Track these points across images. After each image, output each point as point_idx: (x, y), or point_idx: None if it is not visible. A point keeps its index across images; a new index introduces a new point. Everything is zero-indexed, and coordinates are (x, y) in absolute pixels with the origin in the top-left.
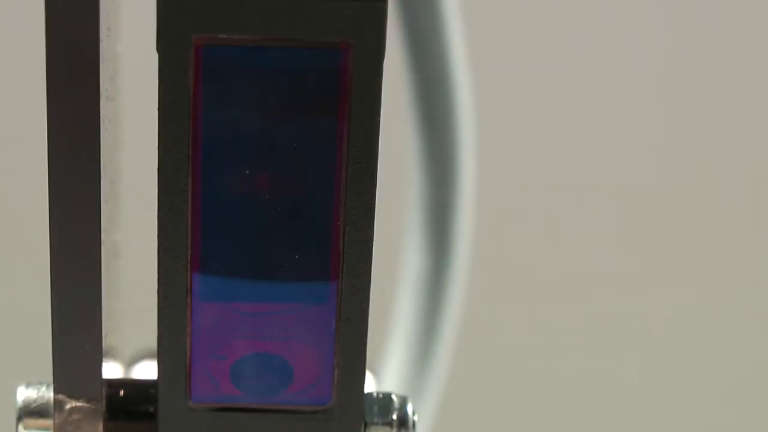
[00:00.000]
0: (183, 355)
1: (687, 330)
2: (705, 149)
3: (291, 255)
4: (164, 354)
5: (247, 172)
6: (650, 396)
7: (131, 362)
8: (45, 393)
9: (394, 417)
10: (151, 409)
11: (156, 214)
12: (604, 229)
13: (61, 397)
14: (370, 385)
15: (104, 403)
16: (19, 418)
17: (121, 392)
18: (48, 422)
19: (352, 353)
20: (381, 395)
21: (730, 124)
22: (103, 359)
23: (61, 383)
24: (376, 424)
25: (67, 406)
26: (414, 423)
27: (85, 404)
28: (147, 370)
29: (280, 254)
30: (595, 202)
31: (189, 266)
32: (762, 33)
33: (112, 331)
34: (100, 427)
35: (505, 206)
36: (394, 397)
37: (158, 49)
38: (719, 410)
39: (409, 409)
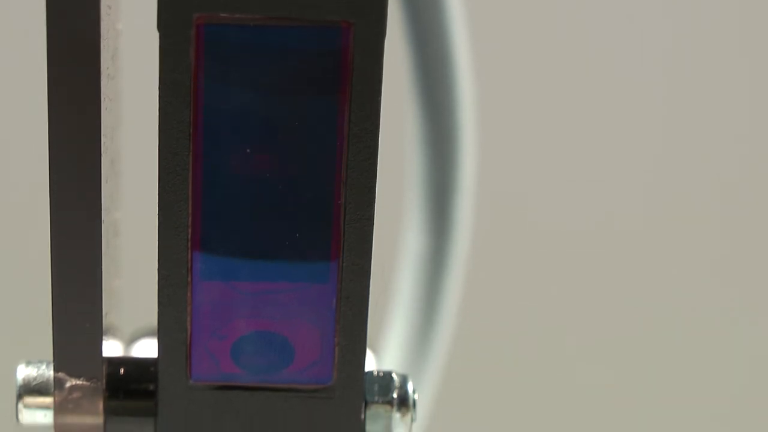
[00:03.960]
0: (183, 333)
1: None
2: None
3: (291, 234)
4: (164, 332)
5: (248, 151)
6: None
7: (131, 340)
8: (45, 371)
9: (395, 395)
10: (152, 387)
11: (156, 193)
12: (604, 211)
13: (61, 375)
14: (371, 364)
15: (104, 381)
16: (19, 396)
17: (122, 370)
18: (48, 400)
19: (353, 332)
20: (381, 374)
21: (732, 124)
22: (104, 337)
23: (61, 361)
24: (377, 402)
25: (67, 384)
26: (414, 401)
27: (85, 382)
28: (147, 348)
29: (281, 233)
30: (595, 184)
31: (189, 245)
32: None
33: (112, 310)
34: (100, 405)
35: (505, 186)
36: (394, 375)
37: (159, 28)
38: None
39: (410, 387)
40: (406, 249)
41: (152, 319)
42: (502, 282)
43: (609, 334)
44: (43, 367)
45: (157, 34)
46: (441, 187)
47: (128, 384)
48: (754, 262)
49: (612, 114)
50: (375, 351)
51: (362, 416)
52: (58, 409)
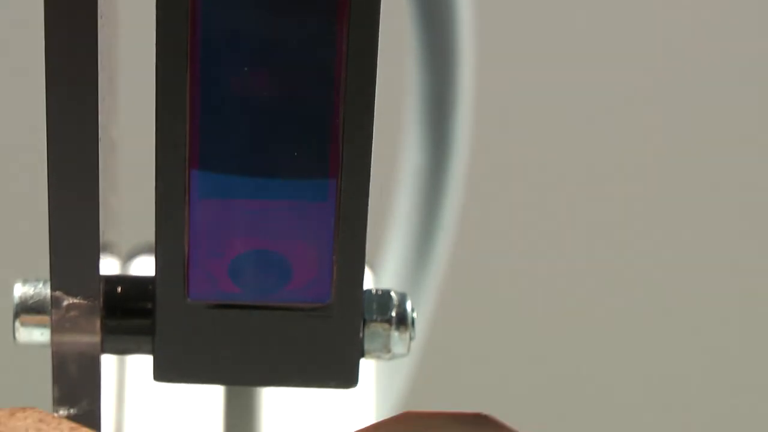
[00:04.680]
0: (181, 252)
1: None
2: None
3: (290, 152)
4: (162, 251)
5: (246, 68)
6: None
7: (129, 257)
8: (42, 289)
9: (393, 314)
10: (149, 305)
11: (154, 110)
12: (600, 130)
13: (58, 293)
14: (369, 282)
15: (101, 299)
16: (16, 315)
17: (119, 289)
18: (45, 318)
19: (351, 250)
20: (380, 292)
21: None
22: (101, 255)
23: (58, 279)
24: (375, 321)
25: (65, 303)
26: (413, 320)
27: (82, 301)
28: (145, 266)
29: (279, 151)
30: (597, 97)
31: (187, 163)
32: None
33: (109, 228)
34: (98, 323)
35: (504, 102)
36: (393, 293)
37: None
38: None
39: (408, 306)
40: (404, 166)
41: (150, 237)
42: (500, 198)
43: (608, 250)
44: (40, 285)
45: None
46: (440, 103)
47: (126, 302)
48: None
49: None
50: (373, 268)
51: (360, 335)
52: (55, 327)
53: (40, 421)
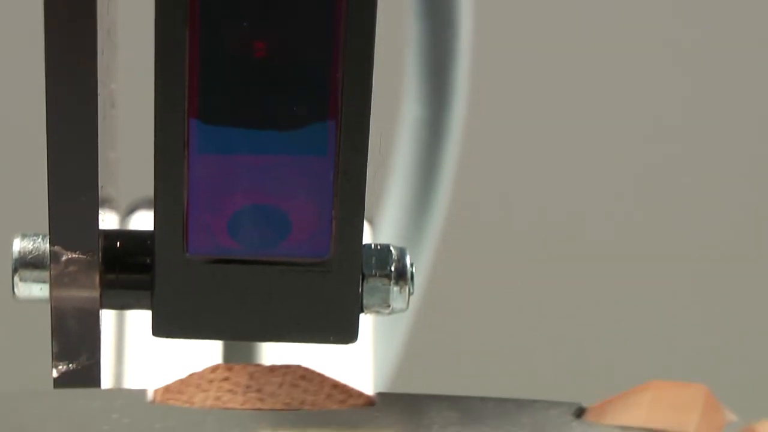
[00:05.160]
0: (180, 207)
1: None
2: None
3: (289, 105)
4: (161, 206)
5: (245, 22)
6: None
7: (128, 211)
8: (41, 244)
9: (392, 269)
10: (148, 260)
11: (153, 64)
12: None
13: (57, 248)
14: (368, 237)
15: (100, 254)
16: (15, 270)
17: (118, 243)
18: (44, 273)
19: (351, 205)
20: (379, 247)
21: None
22: (100, 210)
23: (57, 234)
24: (374, 275)
25: (64, 258)
26: (412, 274)
27: (81, 256)
28: (144, 220)
29: (278, 104)
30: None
31: (186, 117)
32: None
33: (108, 182)
34: (97, 278)
35: (504, 52)
36: (392, 248)
37: None
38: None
39: (407, 260)
40: (404, 119)
41: (149, 192)
42: (500, 150)
43: (612, 188)
44: (39, 240)
45: None
46: (439, 54)
47: (124, 257)
48: None
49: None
50: (372, 223)
51: (360, 289)
52: (54, 282)
53: (302, 377)
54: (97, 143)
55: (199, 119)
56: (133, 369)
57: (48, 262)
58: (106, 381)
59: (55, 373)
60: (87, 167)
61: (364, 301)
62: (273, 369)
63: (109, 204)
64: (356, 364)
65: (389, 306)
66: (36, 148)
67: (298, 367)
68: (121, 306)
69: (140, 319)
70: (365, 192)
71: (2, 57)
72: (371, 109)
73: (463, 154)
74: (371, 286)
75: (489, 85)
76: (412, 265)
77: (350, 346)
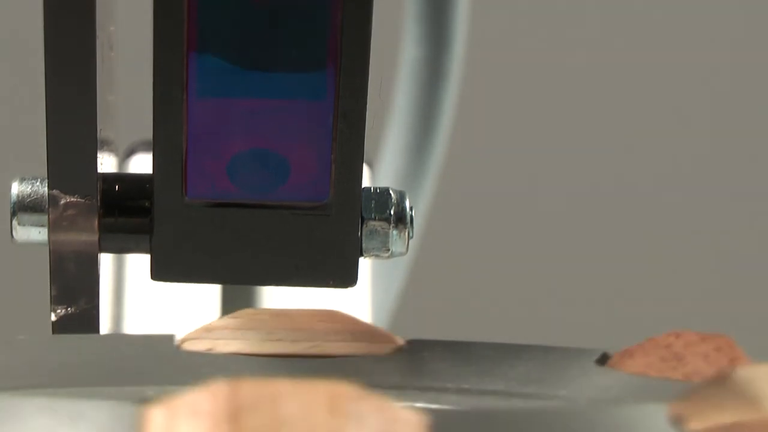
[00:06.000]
0: (179, 151)
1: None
2: None
3: (288, 48)
4: (160, 150)
5: None
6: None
7: (127, 155)
8: (39, 188)
9: (392, 212)
10: (147, 204)
11: (152, 5)
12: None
13: (55, 192)
14: (367, 180)
15: (99, 198)
16: (13, 213)
17: (117, 187)
18: (42, 217)
19: (350, 149)
20: (378, 190)
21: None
22: (98, 154)
23: (55, 178)
24: (374, 219)
25: (62, 202)
26: (412, 218)
27: (79, 199)
28: (143, 163)
29: (277, 48)
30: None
31: (185, 61)
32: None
33: (107, 125)
34: (95, 222)
35: None
36: (391, 192)
37: None
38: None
39: (407, 203)
40: (403, 60)
41: (148, 134)
42: (499, 91)
43: (611, 144)
44: (38, 183)
45: None
46: None
47: (123, 201)
48: None
49: None
50: (372, 166)
51: (359, 233)
52: (53, 226)
53: (717, 350)
54: (95, 86)
55: (197, 52)
56: (132, 313)
57: (46, 206)
58: (105, 325)
59: (53, 317)
60: (85, 110)
61: (364, 245)
62: (704, 338)
63: (108, 147)
64: (355, 309)
65: (389, 250)
66: (34, 92)
67: (722, 338)
68: (120, 250)
69: (139, 263)
70: (364, 135)
71: None
72: (371, 53)
73: (463, 96)
74: (370, 229)
75: (491, 26)
76: (411, 209)
77: (348, 290)
